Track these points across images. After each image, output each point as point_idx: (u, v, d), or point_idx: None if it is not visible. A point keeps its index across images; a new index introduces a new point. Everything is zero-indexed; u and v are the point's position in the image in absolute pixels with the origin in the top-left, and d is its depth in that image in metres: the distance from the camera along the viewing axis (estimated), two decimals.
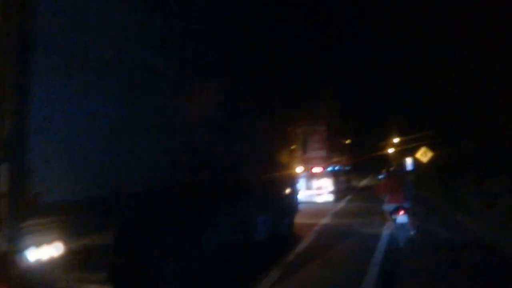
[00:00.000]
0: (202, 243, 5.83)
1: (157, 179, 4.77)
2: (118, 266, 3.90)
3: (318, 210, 15.84)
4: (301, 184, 15.82)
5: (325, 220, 13.50)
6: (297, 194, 11.99)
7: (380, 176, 12.71)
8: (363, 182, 36.47)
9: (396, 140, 43.95)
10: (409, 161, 22.30)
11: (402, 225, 9.37)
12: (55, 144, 3.31)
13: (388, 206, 9.64)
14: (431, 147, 21.00)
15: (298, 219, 11.77)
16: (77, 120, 3.62)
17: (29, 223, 3.01)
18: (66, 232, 3.34)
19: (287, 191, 10.83)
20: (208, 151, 6.04)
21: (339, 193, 20.28)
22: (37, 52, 3.10)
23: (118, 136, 4.17)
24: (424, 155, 20.52)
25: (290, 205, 11.00)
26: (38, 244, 3.11)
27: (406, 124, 34.22)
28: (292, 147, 12.00)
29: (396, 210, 9.37)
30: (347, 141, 26.83)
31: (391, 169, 11.02)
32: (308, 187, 18.22)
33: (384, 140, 50.57)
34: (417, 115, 28.98)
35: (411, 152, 24.48)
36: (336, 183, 19.96)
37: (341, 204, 18.42)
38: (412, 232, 9.49)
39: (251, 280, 6.67)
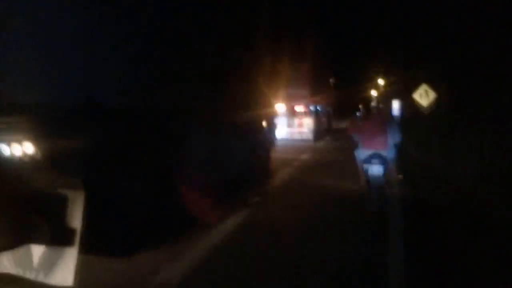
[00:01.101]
0: (177, 167, 6.03)
1: (130, 94, 4.92)
2: (89, 172, 4.11)
3: (298, 147, 16.25)
4: (282, 121, 16.09)
5: (304, 156, 13.90)
6: (274, 129, 12.24)
7: (358, 114, 11.00)
8: (343, 124, 37.06)
9: (381, 81, 42.67)
10: (395, 104, 19.27)
11: (375, 178, 6.82)
12: (23, 46, 3.44)
13: (360, 153, 7.09)
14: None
15: (279, 155, 12.17)
16: (48, 23, 3.66)
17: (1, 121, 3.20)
18: (36, 133, 3.54)
19: (265, 126, 11.06)
20: (187, 81, 6.19)
21: (319, 133, 20.63)
22: None
23: (91, 40, 4.24)
24: (424, 96, 14.42)
25: (267, 140, 11.26)
26: (8, 142, 3.31)
27: (394, 63, 29.86)
28: (273, 82, 12.09)
29: (370, 159, 6.87)
30: (330, 80, 26.84)
31: (372, 105, 8.10)
32: (290, 125, 18.52)
33: (368, 81, 48.69)
34: (408, 53, 23.99)
35: (400, 94, 20.93)
36: (317, 122, 20.26)
37: (321, 143, 18.87)
38: (387, 191, 7.32)
39: (231, 205, 7.08)
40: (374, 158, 6.85)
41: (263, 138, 10.87)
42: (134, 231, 4.98)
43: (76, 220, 3.84)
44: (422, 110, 14.00)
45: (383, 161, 6.84)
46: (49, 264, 3.86)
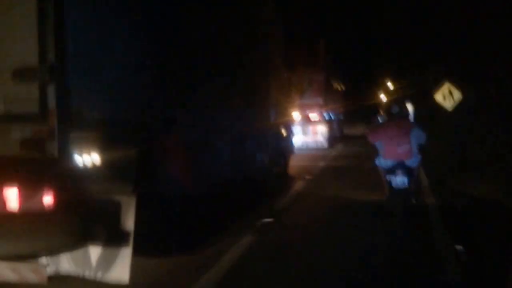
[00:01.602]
0: (206, 170, 6.52)
1: (176, 109, 5.47)
2: (140, 180, 4.56)
3: (314, 154, 16.68)
4: (297, 129, 16.54)
5: (321, 164, 14.27)
6: (292, 137, 12.75)
7: (379, 119, 9.87)
8: (354, 130, 37.36)
9: (390, 86, 41.79)
10: (409, 108, 19.21)
11: (400, 190, 6.47)
12: (92, 69, 3.91)
13: (382, 162, 6.70)
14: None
15: (296, 162, 12.59)
16: (110, 48, 4.17)
17: (73, 135, 3.65)
18: (101, 145, 3.99)
19: (284, 134, 11.56)
20: (217, 92, 6.72)
21: (333, 139, 21.24)
22: None
23: (145, 64, 4.77)
24: (447, 96, 11.72)
25: (285, 147, 11.75)
26: (79, 152, 3.77)
27: (402, 68, 29.61)
28: (290, 93, 12.62)
29: (393, 169, 6.49)
30: (338, 85, 27.28)
31: (393, 109, 7.08)
32: (304, 133, 19.06)
33: (377, 86, 47.93)
34: (415, 57, 23.78)
35: (412, 98, 19.62)
36: (330, 130, 20.85)
37: (335, 150, 19.28)
38: (413, 201, 6.72)
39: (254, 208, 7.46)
40: (398, 169, 6.47)
41: (283, 146, 11.34)
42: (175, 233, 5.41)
43: (129, 222, 4.24)
44: (445, 111, 12.07)
45: (407, 171, 6.46)
46: (106, 264, 4.24)
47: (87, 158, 3.86)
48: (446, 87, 11.75)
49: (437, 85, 12.26)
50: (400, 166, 6.48)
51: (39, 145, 3.52)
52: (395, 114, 6.95)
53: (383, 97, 50.95)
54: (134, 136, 4.56)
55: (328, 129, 20.11)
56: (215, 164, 6.82)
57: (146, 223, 4.53)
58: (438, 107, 12.26)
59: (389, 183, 6.56)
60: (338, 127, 25.75)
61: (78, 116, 3.66)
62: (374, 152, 7.04)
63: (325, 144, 19.77)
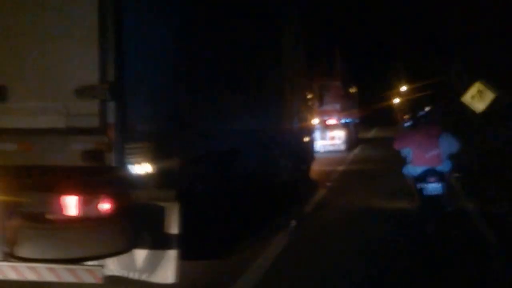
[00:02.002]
0: (236, 177, 6.81)
1: (213, 123, 5.81)
2: (182, 187, 4.86)
3: (333, 159, 16.98)
4: (316, 134, 16.87)
5: (341, 168, 14.50)
6: (314, 143, 13.08)
7: (406, 124, 8.96)
8: (370, 134, 37.55)
9: (404, 88, 40.22)
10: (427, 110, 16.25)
11: (432, 198, 6.13)
12: (146, 88, 4.25)
13: (411, 169, 6.43)
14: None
15: (317, 167, 12.86)
16: (157, 65, 4.47)
17: (128, 146, 3.96)
18: (149, 155, 4.30)
19: (306, 140, 11.84)
20: (244, 98, 7.01)
21: (350, 143, 21.67)
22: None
23: (182, 76, 5.08)
24: (478, 97, 10.29)
25: (308, 153, 12.03)
26: (132, 162, 4.08)
27: (416, 69, 27.75)
28: (310, 100, 12.93)
29: (424, 176, 6.19)
30: (354, 90, 27.48)
31: (422, 113, 6.90)
32: (323, 137, 19.46)
33: (390, 89, 46.22)
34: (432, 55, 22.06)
35: (426, 101, 19.13)
36: (348, 134, 21.30)
37: (353, 154, 19.52)
38: (447, 210, 6.36)
39: (284, 213, 7.72)
40: (430, 176, 6.16)
41: (305, 152, 11.62)
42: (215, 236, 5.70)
43: (173, 226, 4.53)
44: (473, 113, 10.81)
45: (440, 178, 6.16)
46: (152, 265, 4.53)
47: (138, 167, 4.17)
48: (476, 88, 10.23)
49: (460, 81, 11.40)
50: (431, 172, 6.17)
51: (99, 156, 3.82)
52: (422, 119, 6.80)
53: (397, 100, 50.38)
54: (176, 147, 4.87)
55: (345, 133, 20.66)
56: (243, 171, 7.11)
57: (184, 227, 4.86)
58: (465, 108, 11.00)
59: (420, 191, 6.23)
60: (355, 130, 26.09)
61: (131, 129, 3.97)
62: (398, 159, 6.90)
63: (343, 148, 20.26)
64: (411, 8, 21.87)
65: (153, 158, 4.35)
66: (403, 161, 6.69)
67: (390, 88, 49.19)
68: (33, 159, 3.94)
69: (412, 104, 37.72)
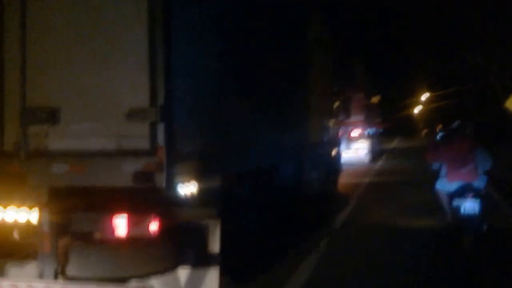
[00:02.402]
0: (273, 193, 6.86)
1: (252, 139, 5.91)
2: (222, 204, 4.93)
3: (358, 170, 16.95)
4: (342, 146, 16.91)
5: (367, 180, 14.44)
6: (341, 155, 13.08)
7: (439, 136, 8.08)
8: (392, 144, 37.24)
9: (425, 97, 39.06)
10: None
11: (470, 216, 5.75)
12: (192, 108, 4.34)
13: (445, 184, 6.12)
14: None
15: (343, 179, 12.83)
16: (206, 88, 4.65)
17: (177, 166, 4.05)
18: (196, 174, 4.39)
19: (334, 152, 11.86)
20: (277, 115, 7.08)
21: (374, 154, 21.91)
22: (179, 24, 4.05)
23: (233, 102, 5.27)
24: None
25: (336, 164, 12.05)
26: (180, 182, 4.16)
27: (437, 77, 27.66)
28: (337, 113, 12.97)
29: (461, 193, 5.83)
30: (376, 100, 27.39)
31: (454, 126, 6.52)
32: (347, 149, 19.49)
33: (411, 97, 44.87)
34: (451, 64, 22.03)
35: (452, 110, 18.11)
36: (372, 145, 21.49)
37: (378, 165, 19.44)
38: (484, 227, 5.92)
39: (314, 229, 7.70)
40: (467, 192, 5.80)
41: (333, 164, 11.64)
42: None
43: (215, 244, 4.58)
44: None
45: (478, 194, 5.80)
46: (195, 283, 4.58)
47: (184, 187, 4.24)
48: None
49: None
50: (468, 188, 5.83)
51: (149, 177, 3.90)
52: (456, 131, 6.42)
53: (418, 109, 49.44)
54: (220, 165, 4.96)
55: (369, 144, 20.76)
56: (280, 186, 7.16)
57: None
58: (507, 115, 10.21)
59: (456, 209, 5.85)
60: (378, 141, 26.02)
61: (179, 149, 4.05)
62: (422, 170, 6.89)
63: (368, 159, 20.39)
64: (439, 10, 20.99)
65: (197, 176, 4.43)
66: (427, 173, 6.46)
67: (411, 96, 48.19)
68: (85, 180, 4.03)
69: (434, 113, 37.01)
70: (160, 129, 3.87)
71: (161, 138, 3.88)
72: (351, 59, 20.34)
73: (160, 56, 3.86)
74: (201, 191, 4.52)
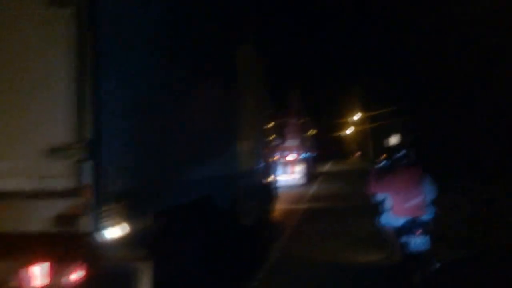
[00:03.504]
0: (206, 225, 6.60)
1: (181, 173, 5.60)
2: (155, 246, 4.61)
3: (294, 195, 17.00)
4: (277, 170, 16.95)
5: (303, 206, 14.39)
6: (276, 181, 13.00)
7: (381, 164, 6.73)
8: (326, 167, 37.90)
9: (357, 117, 39.71)
10: (394, 140, 17.84)
11: (420, 253, 5.34)
12: (122, 144, 4.01)
13: (391, 219, 5.66)
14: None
15: (279, 205, 12.73)
16: (137, 126, 4.38)
17: (105, 208, 3.70)
18: (123, 216, 4.03)
19: (269, 178, 11.72)
20: (209, 145, 6.84)
21: (309, 177, 22.26)
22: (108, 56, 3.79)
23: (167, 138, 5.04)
24: None
25: (271, 191, 11.91)
26: (111, 225, 3.81)
27: (370, 97, 29.06)
28: (272, 139, 12.93)
29: (409, 228, 5.39)
30: (308, 124, 27.91)
31: (399, 154, 5.84)
32: (284, 173, 19.76)
33: (342, 118, 46.08)
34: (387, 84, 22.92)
35: (386, 130, 16.76)
36: (307, 168, 21.89)
37: (314, 189, 19.61)
38: (436, 264, 5.37)
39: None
40: (416, 227, 5.36)
41: (268, 191, 11.52)
42: None
43: (146, 286, 4.31)
44: None
45: (427, 229, 5.39)
46: None
47: (111, 229, 3.89)
48: None
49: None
50: (417, 223, 5.39)
51: (73, 221, 3.56)
52: (401, 159, 5.78)
53: (348, 131, 50.57)
54: (148, 205, 4.65)
55: (305, 167, 21.12)
56: (215, 218, 6.91)
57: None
58: None
59: (405, 245, 5.41)
60: (313, 165, 26.46)
61: (105, 189, 3.72)
62: (357, 196, 6.17)
63: (303, 182, 20.72)
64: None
65: (129, 218, 4.10)
66: (363, 199, 5.95)
67: (341, 117, 48.77)
68: (1, 225, 3.62)
69: (368, 134, 37.81)
70: (87, 167, 3.55)
71: (88, 177, 3.55)
72: (285, 84, 20.76)
73: (88, 89, 3.56)
74: (132, 233, 4.20)
